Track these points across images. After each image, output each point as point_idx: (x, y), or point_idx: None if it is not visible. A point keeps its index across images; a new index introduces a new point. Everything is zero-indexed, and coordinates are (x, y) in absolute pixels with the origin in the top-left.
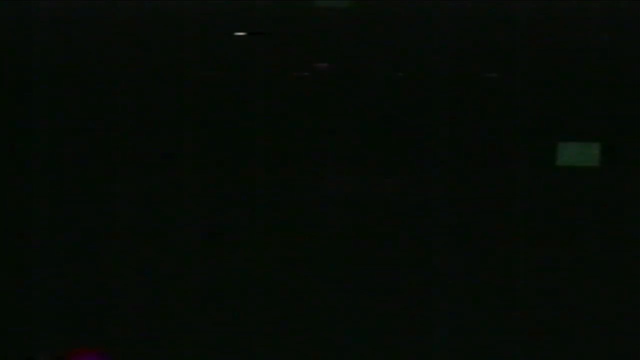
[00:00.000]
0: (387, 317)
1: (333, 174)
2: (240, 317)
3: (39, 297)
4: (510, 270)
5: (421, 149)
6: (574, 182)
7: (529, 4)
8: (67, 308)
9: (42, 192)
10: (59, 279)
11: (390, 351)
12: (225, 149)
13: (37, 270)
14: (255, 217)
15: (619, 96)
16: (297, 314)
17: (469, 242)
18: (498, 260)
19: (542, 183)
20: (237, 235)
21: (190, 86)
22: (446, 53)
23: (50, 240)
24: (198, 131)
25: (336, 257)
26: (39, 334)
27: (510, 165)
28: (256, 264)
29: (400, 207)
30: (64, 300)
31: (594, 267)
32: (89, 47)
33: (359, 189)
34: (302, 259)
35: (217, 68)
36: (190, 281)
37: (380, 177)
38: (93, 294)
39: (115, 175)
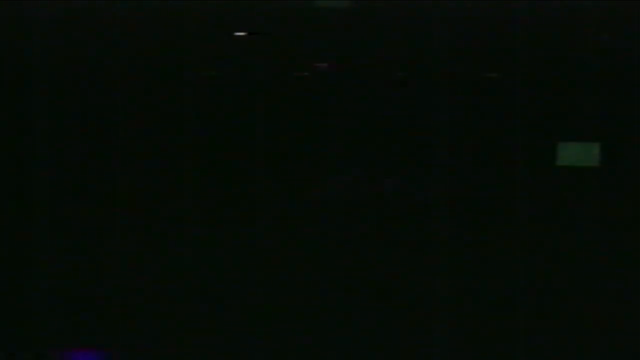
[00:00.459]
0: (386, 316)
1: (333, 173)
2: (240, 317)
3: (39, 297)
4: (510, 269)
5: (421, 149)
6: (574, 182)
7: (529, 4)
8: (67, 308)
9: (42, 192)
10: (59, 279)
11: (390, 351)
12: (226, 148)
13: (37, 270)
14: (255, 216)
15: (619, 96)
16: (297, 314)
17: (468, 241)
18: (498, 260)
19: (542, 183)
20: (237, 234)
21: (190, 86)
22: (446, 53)
23: (50, 241)
24: (198, 131)
25: (336, 254)
26: (38, 334)
27: (510, 165)
28: (256, 264)
29: (400, 206)
30: (64, 300)
31: (594, 267)
32: (88, 47)
33: (358, 188)
34: (302, 256)
35: (217, 68)
36: (190, 281)
37: (380, 176)
38: (93, 294)
39: (115, 174)
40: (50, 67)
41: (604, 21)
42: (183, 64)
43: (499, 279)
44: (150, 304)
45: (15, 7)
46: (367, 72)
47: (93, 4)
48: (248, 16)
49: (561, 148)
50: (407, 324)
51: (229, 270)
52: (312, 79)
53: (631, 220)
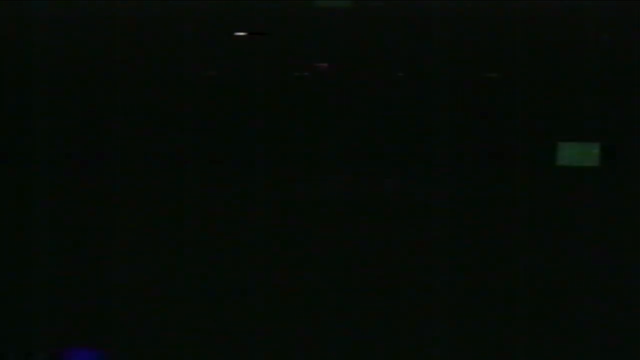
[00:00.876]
0: (386, 316)
1: (333, 173)
2: (240, 317)
3: (39, 297)
4: (510, 269)
5: (421, 149)
6: (574, 182)
7: (529, 4)
8: (66, 308)
9: (42, 192)
10: (59, 279)
11: (390, 351)
12: (225, 148)
13: (37, 270)
14: (255, 216)
15: (619, 96)
16: (297, 314)
17: (468, 241)
18: (498, 259)
19: (542, 183)
20: (237, 234)
21: (190, 86)
22: (446, 53)
23: (50, 241)
24: (198, 131)
25: (336, 254)
26: (38, 334)
27: (510, 165)
28: (256, 263)
29: (400, 206)
30: (64, 300)
31: (594, 267)
32: (88, 47)
33: (358, 188)
34: (301, 256)
35: (217, 68)
36: (190, 281)
37: (380, 176)
38: (93, 294)
39: (115, 174)
40: (50, 67)
41: (604, 21)
42: (183, 64)
43: (498, 279)
44: (150, 304)
45: (15, 7)
46: (367, 72)
47: (93, 4)
48: (248, 16)
49: (561, 148)
50: (407, 324)
51: (229, 269)
52: (312, 79)
53: (631, 220)
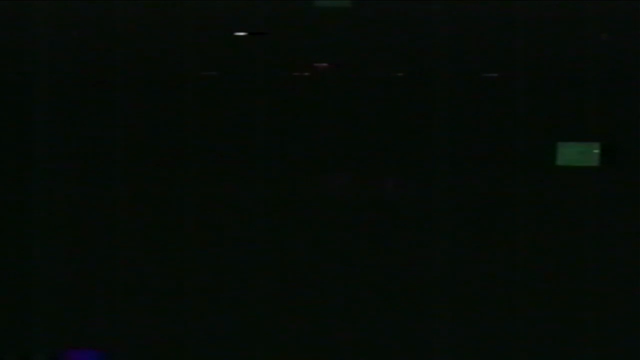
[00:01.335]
0: (386, 317)
1: (332, 173)
2: (240, 317)
3: (38, 297)
4: (510, 269)
5: (421, 148)
6: (574, 182)
7: (528, 4)
8: (66, 308)
9: (42, 192)
10: (59, 279)
11: (392, 349)
12: (225, 148)
13: (37, 270)
14: (255, 216)
15: (619, 96)
16: (297, 315)
17: (468, 241)
18: (497, 259)
19: (542, 183)
20: (237, 234)
21: (190, 86)
22: (446, 53)
23: (50, 241)
24: (198, 131)
25: (334, 255)
26: (38, 334)
27: (510, 165)
28: (256, 264)
29: (400, 206)
30: (64, 300)
31: (594, 267)
32: (88, 48)
33: (358, 188)
34: (302, 257)
35: (217, 68)
36: (190, 281)
37: (380, 176)
38: (92, 294)
39: (116, 175)
40: (50, 67)
41: (604, 21)
42: (183, 64)
43: (498, 279)
44: (150, 303)
45: (15, 7)
46: (367, 72)
47: (93, 4)
48: (248, 16)
49: (561, 148)
50: (407, 323)
51: (229, 270)
52: (312, 79)
53: (631, 220)
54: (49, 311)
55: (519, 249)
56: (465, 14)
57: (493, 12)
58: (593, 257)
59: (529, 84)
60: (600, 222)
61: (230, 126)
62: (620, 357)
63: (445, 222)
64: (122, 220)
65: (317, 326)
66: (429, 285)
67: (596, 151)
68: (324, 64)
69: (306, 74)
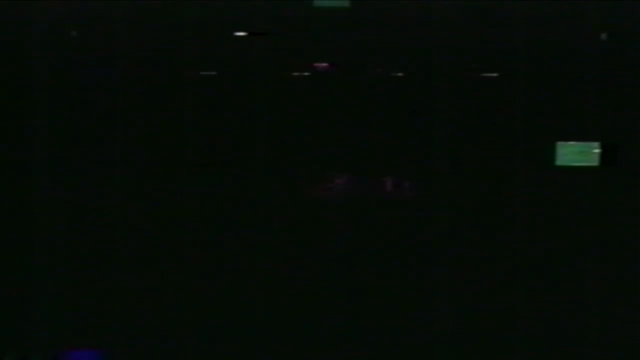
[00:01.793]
0: (386, 317)
1: (332, 173)
2: (240, 318)
3: (38, 297)
4: (509, 268)
5: (420, 149)
6: (574, 182)
7: (528, 4)
8: (66, 308)
9: (42, 192)
10: (59, 279)
11: (389, 351)
12: (225, 148)
13: (37, 270)
14: (255, 216)
15: (619, 96)
16: (298, 316)
17: (467, 240)
18: (497, 259)
19: (542, 183)
20: (237, 234)
21: (190, 86)
22: (446, 53)
23: (50, 241)
24: (198, 131)
25: (336, 253)
26: (38, 334)
27: (510, 165)
28: (256, 265)
29: (399, 206)
30: (64, 301)
31: (594, 267)
32: (88, 48)
33: (358, 188)
34: (303, 257)
35: (217, 68)
36: (190, 281)
37: (379, 176)
38: (92, 294)
39: (116, 175)
40: (50, 67)
41: (604, 21)
42: (183, 64)
43: (498, 278)
44: (150, 304)
45: (15, 7)
46: (367, 72)
47: (93, 4)
48: (248, 16)
49: (561, 148)
50: (408, 323)
51: (229, 270)
52: (312, 79)
53: (631, 220)
54: (49, 311)
55: (518, 248)
56: (465, 14)
57: (493, 12)
58: (593, 256)
59: (529, 84)
60: (600, 222)
61: (230, 126)
62: (620, 357)
63: (445, 222)
64: (122, 220)
65: (317, 326)
66: (429, 285)
67: (596, 151)
68: (324, 64)
69: (306, 74)
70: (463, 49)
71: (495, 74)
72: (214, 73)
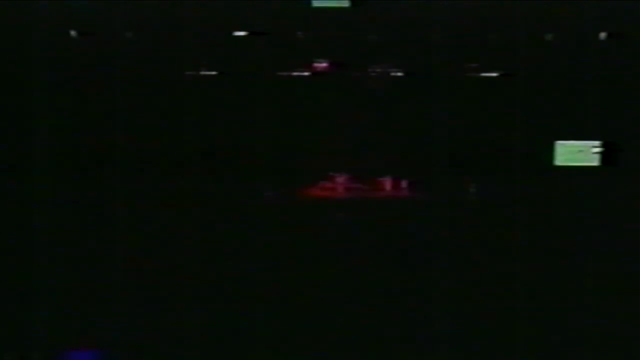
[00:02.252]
0: (386, 318)
1: (333, 171)
2: (240, 318)
3: (39, 297)
4: (509, 268)
5: (420, 148)
6: (574, 182)
7: (529, 4)
8: (66, 308)
9: (42, 192)
10: (59, 279)
11: (389, 351)
12: (225, 148)
13: (37, 270)
14: (255, 215)
15: (619, 96)
16: (298, 316)
17: (467, 240)
18: (497, 258)
19: (542, 183)
20: (238, 234)
21: (190, 86)
22: (446, 53)
23: (50, 241)
24: (198, 131)
25: (335, 254)
26: (38, 334)
27: (510, 165)
28: (256, 264)
29: (399, 205)
30: (64, 301)
31: (594, 267)
32: (88, 48)
33: (358, 188)
34: (301, 256)
35: (217, 68)
36: (190, 281)
37: (379, 175)
38: (92, 295)
39: (115, 175)
40: (50, 67)
41: (604, 21)
42: (183, 64)
43: (498, 278)
44: (150, 304)
45: (15, 7)
46: (368, 71)
47: (93, 4)
48: (248, 16)
49: (560, 147)
50: (407, 324)
51: (229, 270)
52: (312, 79)
53: (631, 220)
54: (49, 311)
55: (518, 248)
56: (465, 14)
57: (493, 12)
58: (593, 256)
59: (529, 84)
60: (600, 221)
61: (229, 126)
62: (620, 357)
63: (445, 221)
64: (121, 220)
65: (317, 327)
66: (429, 285)
67: (596, 150)
68: (324, 64)
69: (306, 74)
70: (463, 49)
71: (495, 74)
72: (214, 73)
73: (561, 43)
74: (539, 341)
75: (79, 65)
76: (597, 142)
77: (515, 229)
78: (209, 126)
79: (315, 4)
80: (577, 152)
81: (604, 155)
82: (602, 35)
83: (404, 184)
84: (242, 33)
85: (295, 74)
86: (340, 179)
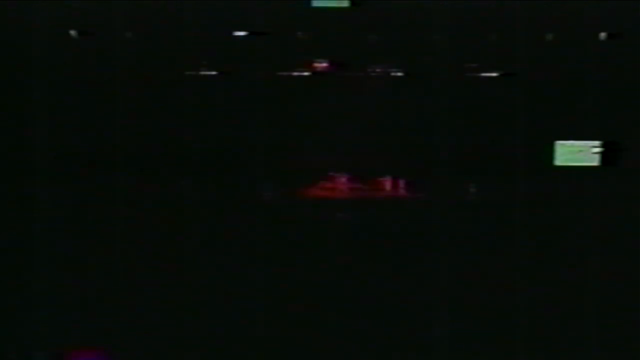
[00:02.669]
0: (386, 318)
1: (332, 172)
2: (240, 319)
3: (38, 297)
4: (509, 268)
5: (420, 148)
6: (574, 182)
7: (528, 4)
8: (66, 308)
9: (42, 192)
10: (59, 280)
11: (389, 351)
12: (225, 148)
13: (37, 271)
14: (255, 216)
15: (619, 96)
16: (298, 317)
17: (467, 241)
18: (497, 258)
19: (542, 183)
20: (238, 234)
21: (190, 86)
22: (446, 53)
23: (50, 241)
24: (198, 131)
25: (335, 254)
26: (38, 334)
27: (510, 165)
28: (256, 265)
29: (399, 205)
30: (64, 301)
31: (594, 267)
32: (88, 48)
33: (358, 188)
34: (301, 256)
35: (217, 68)
36: (190, 281)
37: (379, 175)
38: (92, 295)
39: (115, 175)
40: (50, 67)
41: (604, 21)
42: (183, 64)
43: (498, 278)
44: (150, 304)
45: (15, 7)
46: (367, 72)
47: (92, 4)
48: (248, 16)
49: (560, 147)
50: (407, 325)
51: (229, 270)
52: (312, 79)
53: (631, 220)
54: (50, 311)
55: (518, 248)
56: (465, 14)
57: (493, 12)
58: (593, 256)
59: (529, 84)
60: (600, 222)
61: (230, 126)
62: (620, 357)
63: (444, 222)
64: (122, 220)
65: (317, 327)
66: (429, 285)
67: (596, 150)
68: (324, 64)
69: (306, 74)
70: (463, 49)
71: (495, 74)
72: (214, 73)
73: (561, 43)
74: (539, 341)
75: (79, 65)
76: (597, 142)
77: (515, 228)
78: (209, 126)
79: (315, 4)
80: (577, 152)
81: (604, 155)
82: (602, 35)
83: (404, 184)
84: (242, 33)
85: (295, 74)
86: (340, 179)
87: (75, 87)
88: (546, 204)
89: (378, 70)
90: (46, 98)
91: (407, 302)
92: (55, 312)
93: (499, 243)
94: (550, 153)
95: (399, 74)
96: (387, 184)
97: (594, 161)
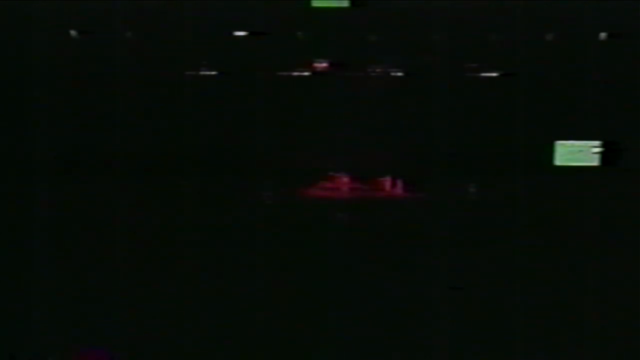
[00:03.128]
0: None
1: (332, 172)
2: (240, 319)
3: (38, 297)
4: (509, 268)
5: (420, 148)
6: (574, 182)
7: (529, 4)
8: (67, 309)
9: (42, 192)
10: (59, 280)
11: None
12: (225, 148)
13: (37, 271)
14: (255, 215)
15: (619, 96)
16: (298, 317)
17: (467, 240)
18: (497, 258)
19: (542, 183)
20: (238, 234)
21: (190, 86)
22: (446, 53)
23: (50, 241)
24: (197, 131)
25: (335, 254)
26: (39, 334)
27: (510, 165)
28: (256, 265)
29: (398, 205)
30: (64, 301)
31: (594, 267)
32: (88, 48)
33: (358, 188)
34: (301, 256)
35: (217, 68)
36: (191, 282)
37: (378, 175)
38: (93, 295)
39: (115, 175)
40: (50, 67)
41: (604, 21)
42: (183, 64)
43: (497, 278)
44: (150, 304)
45: (15, 7)
46: (367, 72)
47: (92, 4)
48: (248, 16)
49: (560, 147)
50: (406, 325)
51: (229, 270)
52: (312, 79)
53: (631, 220)
54: (53, 312)
55: (518, 247)
56: (465, 14)
57: (493, 12)
58: (593, 256)
59: (529, 84)
60: (600, 221)
61: (230, 125)
62: (620, 357)
63: (445, 221)
64: (121, 220)
65: (317, 327)
66: (429, 285)
67: (596, 150)
68: (324, 64)
69: (306, 74)
70: (463, 49)
71: (495, 74)
72: (214, 73)
73: (561, 43)
74: (539, 341)
75: (79, 65)
76: (597, 142)
77: (514, 228)
78: (209, 126)
79: (315, 4)
80: (577, 152)
81: (604, 155)
82: (602, 35)
83: (404, 183)
84: (242, 33)
85: (295, 74)
86: (341, 179)
87: (75, 87)
88: (546, 203)
89: (378, 70)
90: (46, 97)
91: (407, 300)
92: (55, 312)
93: (499, 242)
94: (550, 153)
95: (399, 74)
96: (387, 184)
97: (594, 161)
